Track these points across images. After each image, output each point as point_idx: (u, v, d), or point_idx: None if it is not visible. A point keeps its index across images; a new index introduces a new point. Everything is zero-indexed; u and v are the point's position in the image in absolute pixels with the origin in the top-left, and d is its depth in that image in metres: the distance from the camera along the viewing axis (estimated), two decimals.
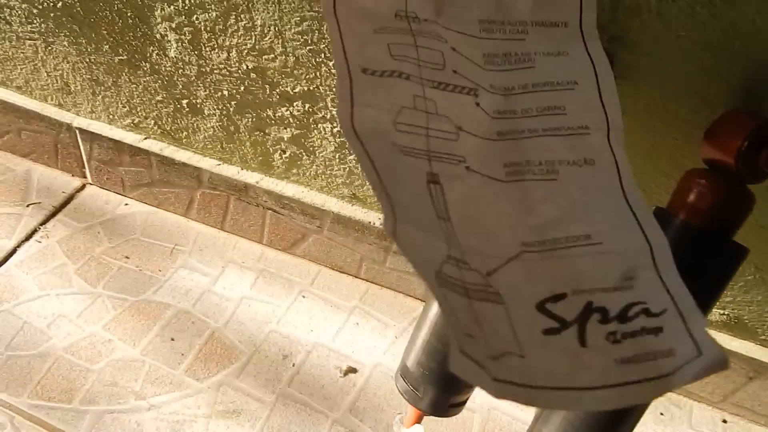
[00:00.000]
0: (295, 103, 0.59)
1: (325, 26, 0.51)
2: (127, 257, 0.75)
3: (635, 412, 0.44)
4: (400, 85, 0.33)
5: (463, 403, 0.51)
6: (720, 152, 0.39)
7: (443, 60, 0.35)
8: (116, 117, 0.74)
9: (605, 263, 0.31)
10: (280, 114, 0.61)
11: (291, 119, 0.61)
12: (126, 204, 0.81)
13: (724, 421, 0.65)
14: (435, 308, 0.48)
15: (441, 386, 0.50)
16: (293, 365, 0.66)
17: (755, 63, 0.38)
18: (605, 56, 0.35)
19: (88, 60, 0.68)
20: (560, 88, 0.35)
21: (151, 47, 0.62)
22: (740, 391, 0.63)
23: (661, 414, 0.65)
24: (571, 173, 0.33)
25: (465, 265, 0.30)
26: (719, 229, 0.41)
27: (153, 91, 0.67)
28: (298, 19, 0.52)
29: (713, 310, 0.59)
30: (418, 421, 0.51)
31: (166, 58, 0.62)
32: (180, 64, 0.62)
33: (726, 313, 0.58)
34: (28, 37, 0.69)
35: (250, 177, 0.70)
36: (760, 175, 0.39)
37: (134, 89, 0.68)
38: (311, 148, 0.63)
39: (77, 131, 0.77)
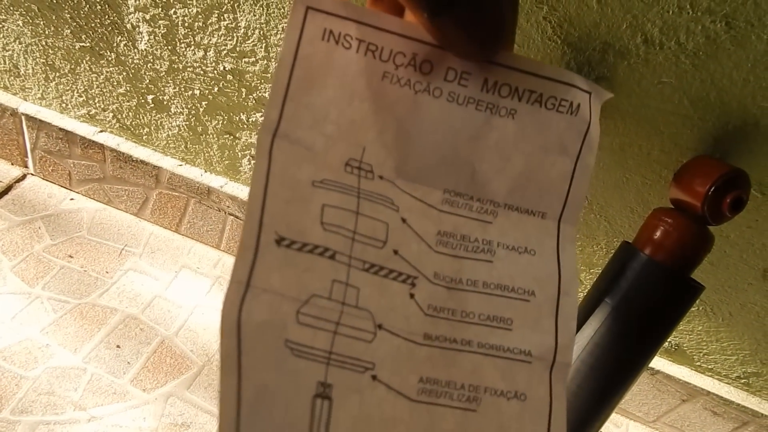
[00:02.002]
0: None
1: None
2: (70, 256, 0.70)
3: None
4: (319, 266, 0.27)
5: None
6: (687, 194, 0.42)
7: (386, 235, 0.28)
8: (70, 106, 0.69)
9: None
10: (254, 119, 0.60)
11: None
12: (72, 199, 0.76)
13: None
14: None
15: None
16: None
17: (727, 114, 0.41)
18: (575, 266, 0.30)
19: (44, 43, 0.63)
20: (513, 297, 0.30)
21: (119, 37, 0.59)
22: (673, 412, 0.67)
23: None
24: (494, 406, 0.29)
25: None
26: (681, 265, 0.43)
27: (115, 83, 0.63)
28: (287, 24, 0.51)
29: None
30: None
31: (135, 50, 0.59)
32: (150, 57, 0.59)
33: (669, 340, 0.62)
34: None
35: (215, 180, 0.68)
36: (722, 218, 0.42)
37: (94, 79, 0.64)
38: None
39: (23, 117, 0.71)
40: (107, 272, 0.69)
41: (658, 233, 0.43)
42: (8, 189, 0.75)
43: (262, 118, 0.27)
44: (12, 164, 0.78)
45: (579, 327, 0.47)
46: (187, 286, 0.70)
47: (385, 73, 0.28)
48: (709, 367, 0.63)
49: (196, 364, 0.64)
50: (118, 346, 0.63)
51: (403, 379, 0.27)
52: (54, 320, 0.64)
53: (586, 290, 0.47)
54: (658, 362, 0.64)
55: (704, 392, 0.63)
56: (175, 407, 0.60)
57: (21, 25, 0.63)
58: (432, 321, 0.28)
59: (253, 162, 0.64)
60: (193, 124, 0.63)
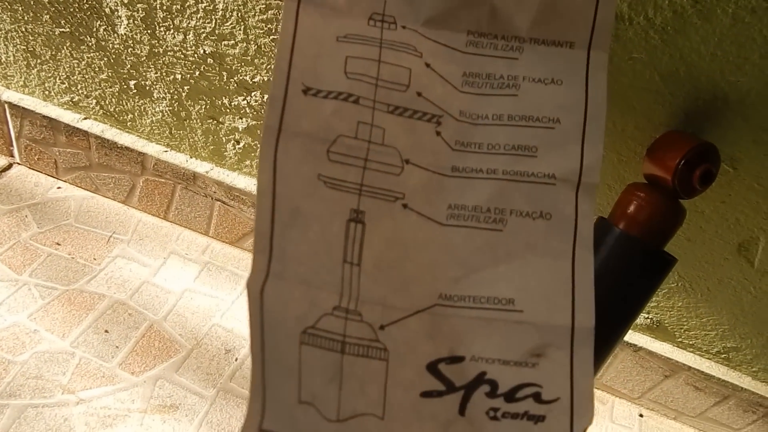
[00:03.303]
0: (253, 93, 0.58)
1: None
2: (58, 244, 0.70)
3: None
4: (344, 110, 0.29)
5: None
6: (659, 169, 0.43)
7: (408, 80, 0.30)
8: (53, 93, 0.69)
9: (518, 333, 0.29)
10: (236, 103, 0.60)
11: (248, 109, 0.60)
12: (59, 187, 0.76)
13: (641, 415, 0.70)
14: None
15: None
16: (236, 360, 0.64)
17: (697, 89, 0.41)
18: (604, 92, 0.31)
19: (24, 29, 0.63)
20: (538, 125, 0.31)
21: (98, 22, 0.59)
22: (656, 388, 0.68)
23: None
24: (520, 226, 0.30)
25: (355, 317, 0.28)
26: (654, 239, 0.44)
27: (97, 69, 0.63)
28: (263, 6, 0.51)
29: None
30: None
31: (115, 35, 0.59)
32: (130, 42, 0.59)
33: (650, 317, 0.63)
34: None
35: (200, 166, 0.68)
36: (692, 191, 0.42)
37: (76, 65, 0.64)
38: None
39: (6, 105, 0.71)
40: (95, 259, 0.70)
41: (631, 208, 0.44)
42: None
43: None
44: None
45: None
46: (176, 271, 0.71)
47: None
48: (690, 342, 0.64)
49: (184, 347, 0.64)
50: (106, 331, 0.64)
51: (433, 207, 0.29)
52: (42, 306, 0.64)
53: None
54: (640, 339, 0.65)
55: (686, 368, 0.64)
56: (164, 389, 0.61)
57: (0, 11, 0.63)
58: (459, 155, 0.30)
59: (237, 147, 0.65)
60: (176, 109, 0.64)
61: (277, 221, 0.28)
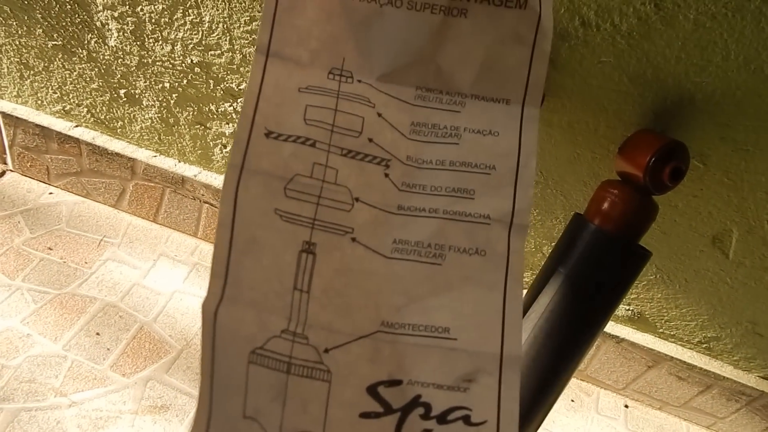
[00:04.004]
0: (239, 100, 0.60)
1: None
2: (50, 248, 0.71)
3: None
4: (301, 152, 0.32)
5: None
6: (631, 166, 0.44)
7: (361, 127, 0.33)
8: (45, 103, 0.70)
9: (451, 360, 0.32)
10: (222, 109, 0.61)
11: (234, 115, 0.61)
12: (50, 193, 0.77)
13: (626, 406, 0.72)
14: None
15: None
16: None
17: (664, 90, 0.43)
18: (535, 142, 0.34)
19: (17, 43, 0.64)
20: (476, 171, 0.34)
21: (90, 35, 0.60)
22: (640, 379, 0.70)
23: (572, 401, 0.71)
24: (458, 261, 0.33)
25: (302, 340, 0.30)
26: (628, 234, 0.46)
27: (88, 79, 0.65)
28: (248, 18, 0.52)
29: (620, 306, 0.65)
30: None
31: (105, 47, 0.60)
32: (120, 53, 0.60)
33: (631, 308, 0.65)
34: None
35: (188, 170, 0.69)
36: (663, 188, 0.44)
37: (67, 75, 0.65)
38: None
39: (0, 115, 0.72)
40: (86, 263, 0.71)
41: (605, 204, 0.46)
42: None
43: (256, 40, 0.32)
44: None
45: (535, 296, 0.50)
46: (165, 273, 0.72)
47: None
48: (672, 333, 0.66)
49: (174, 348, 0.66)
50: (97, 334, 0.65)
51: (379, 241, 0.32)
52: (34, 310, 0.65)
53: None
54: (622, 330, 0.67)
55: (668, 358, 0.66)
56: (155, 390, 0.62)
57: None
58: (404, 195, 0.33)
59: (224, 151, 0.66)
60: (165, 116, 0.65)
61: (233, 249, 0.30)
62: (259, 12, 0.52)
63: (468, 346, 0.32)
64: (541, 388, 0.50)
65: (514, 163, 0.34)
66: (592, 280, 0.47)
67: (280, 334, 0.30)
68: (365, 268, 0.32)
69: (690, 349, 0.66)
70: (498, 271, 0.32)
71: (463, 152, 0.34)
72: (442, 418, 0.31)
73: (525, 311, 0.49)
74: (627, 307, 0.65)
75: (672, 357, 0.66)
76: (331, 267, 0.31)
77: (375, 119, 0.33)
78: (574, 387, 0.72)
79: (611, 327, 0.67)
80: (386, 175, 0.33)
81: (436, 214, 0.33)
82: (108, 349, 0.64)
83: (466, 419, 0.31)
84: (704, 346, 0.65)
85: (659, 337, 0.67)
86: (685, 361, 0.65)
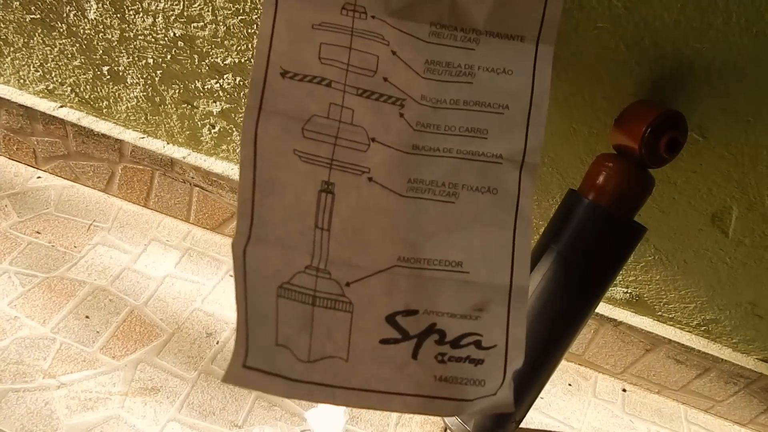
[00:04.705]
0: (225, 76, 0.58)
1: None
2: (38, 232, 0.70)
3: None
4: (317, 93, 0.33)
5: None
6: (626, 138, 0.43)
7: (376, 66, 0.34)
8: (28, 82, 0.69)
9: (464, 291, 0.34)
10: (209, 86, 0.60)
11: (221, 92, 0.60)
12: (39, 177, 0.76)
13: (624, 390, 0.71)
14: None
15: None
16: (217, 342, 0.65)
17: (662, 57, 0.41)
18: (549, 81, 0.34)
19: None
20: (489, 111, 0.34)
21: (68, 7, 0.58)
22: (638, 363, 0.69)
23: (569, 385, 0.69)
24: (470, 199, 0.34)
25: (325, 275, 0.33)
26: (623, 208, 0.44)
27: (70, 56, 0.63)
28: None
29: (618, 288, 0.64)
30: None
31: (85, 20, 0.59)
32: (100, 27, 0.59)
33: (629, 291, 0.64)
34: None
35: (177, 152, 0.68)
36: (660, 160, 0.42)
37: (48, 52, 0.64)
38: (242, 124, 0.62)
39: None
40: (75, 247, 0.70)
41: (600, 178, 0.44)
42: None
43: None
44: None
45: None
46: (157, 258, 0.71)
47: None
48: (670, 316, 0.64)
49: (165, 331, 0.64)
50: (87, 317, 0.64)
51: (395, 180, 0.34)
52: (22, 293, 0.64)
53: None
54: (620, 314, 0.66)
55: (666, 341, 0.65)
56: (145, 372, 0.61)
57: None
58: (419, 135, 0.34)
59: (213, 131, 0.64)
60: (150, 94, 0.63)
61: (257, 190, 0.31)
62: None
63: (479, 278, 0.34)
64: (535, 364, 0.49)
65: (527, 103, 0.34)
66: (585, 256, 0.46)
67: (304, 269, 0.32)
68: (382, 206, 0.33)
69: (689, 332, 0.65)
70: (509, 209, 0.34)
71: (476, 91, 0.34)
72: (455, 343, 0.33)
73: None
74: (625, 290, 0.64)
75: (670, 340, 0.65)
76: (349, 206, 0.33)
77: (389, 57, 0.34)
78: (571, 371, 0.71)
79: (609, 311, 0.65)
80: (401, 115, 0.34)
81: (450, 153, 0.34)
82: (97, 332, 0.63)
83: (478, 344, 0.33)
84: (703, 328, 0.64)
85: (658, 320, 0.66)
86: (683, 344, 0.64)
